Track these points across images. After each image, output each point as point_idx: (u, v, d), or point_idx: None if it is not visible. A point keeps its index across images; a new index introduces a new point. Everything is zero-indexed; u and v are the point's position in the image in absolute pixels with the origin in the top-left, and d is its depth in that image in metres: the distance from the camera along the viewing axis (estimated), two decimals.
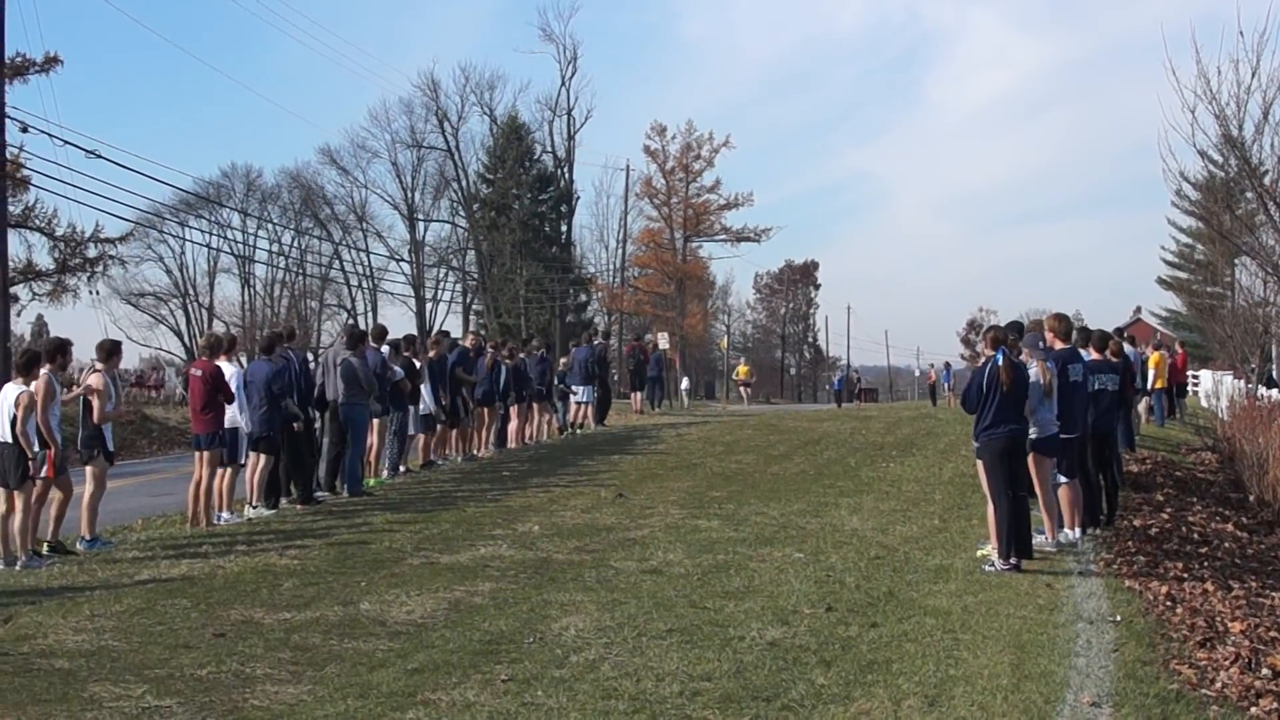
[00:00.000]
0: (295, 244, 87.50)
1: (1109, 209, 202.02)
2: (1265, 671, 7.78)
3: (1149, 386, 26.24)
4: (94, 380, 12.98)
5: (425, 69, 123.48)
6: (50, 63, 35.00)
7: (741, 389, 59.19)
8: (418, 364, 18.73)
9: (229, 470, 14.47)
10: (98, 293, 47.00)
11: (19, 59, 34.12)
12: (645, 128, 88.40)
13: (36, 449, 11.90)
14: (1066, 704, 6.92)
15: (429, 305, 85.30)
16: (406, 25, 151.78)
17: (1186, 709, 6.88)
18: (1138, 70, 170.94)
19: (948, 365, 56.12)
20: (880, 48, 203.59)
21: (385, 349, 17.73)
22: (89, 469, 12.97)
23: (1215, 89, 14.88)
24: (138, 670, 7.58)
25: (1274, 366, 34.87)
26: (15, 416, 11.72)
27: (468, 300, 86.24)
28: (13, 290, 34.90)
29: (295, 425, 15.05)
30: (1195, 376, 41.81)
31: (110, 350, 13.29)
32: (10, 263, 33.70)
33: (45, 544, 12.31)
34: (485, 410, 21.76)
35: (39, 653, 8.08)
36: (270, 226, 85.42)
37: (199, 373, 13.96)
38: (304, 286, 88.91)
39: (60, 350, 12.69)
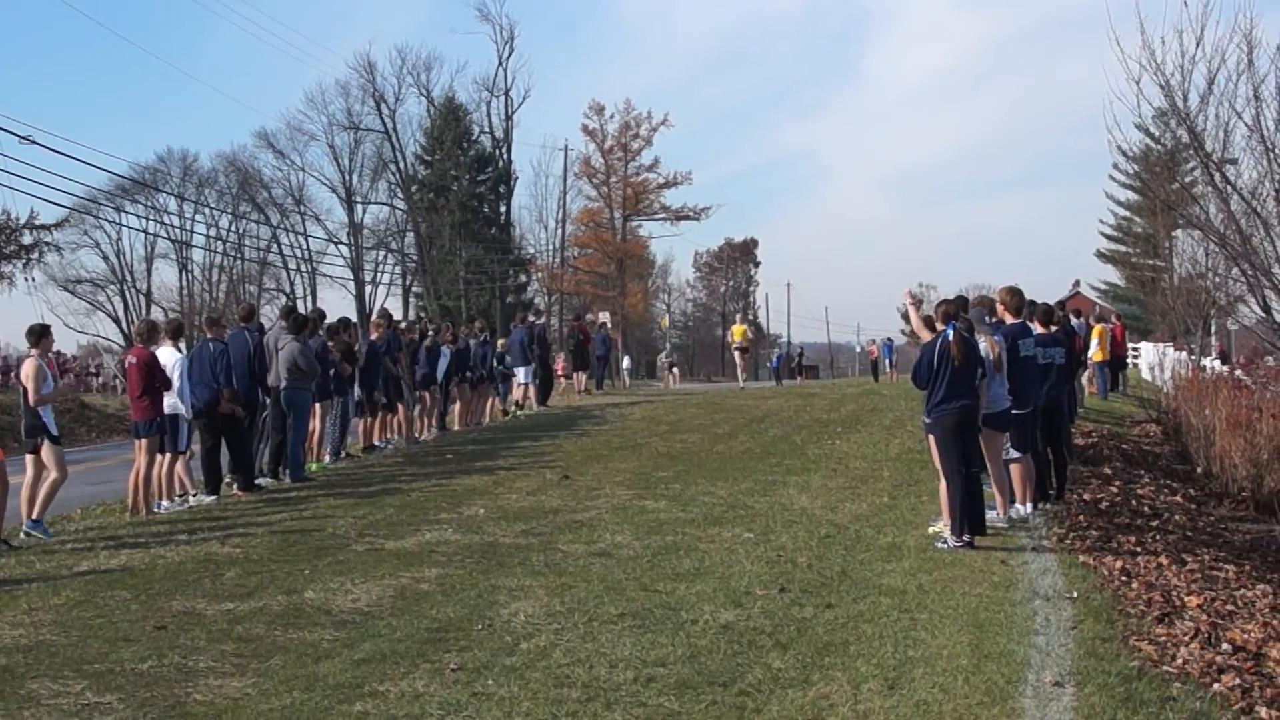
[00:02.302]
0: (233, 228, 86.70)
1: (1049, 183, 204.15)
2: (1225, 646, 7.77)
3: (1090, 359, 26.43)
4: (26, 367, 12.78)
5: (361, 51, 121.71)
6: None
7: (738, 355, 39.82)
8: (355, 348, 18.48)
9: (169, 458, 14.21)
10: (33, 279, 46.44)
11: None
12: (584, 107, 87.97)
13: None
14: (1028, 684, 6.84)
15: (368, 288, 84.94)
16: (342, 7, 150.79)
17: (1150, 686, 6.81)
18: (1079, 44, 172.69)
19: (889, 341, 56.08)
20: (819, 23, 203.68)
21: (322, 332, 17.47)
22: (43, 454, 12.67)
23: (1160, 60, 14.83)
24: (77, 665, 7.37)
25: (1214, 339, 35.20)
26: None
27: (407, 282, 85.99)
28: None
29: (236, 411, 14.78)
30: (1135, 349, 42.19)
31: (40, 333, 13.03)
32: None
33: None
34: (426, 393, 21.54)
35: None
36: (207, 211, 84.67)
37: (134, 360, 13.72)
38: (242, 271, 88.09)
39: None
